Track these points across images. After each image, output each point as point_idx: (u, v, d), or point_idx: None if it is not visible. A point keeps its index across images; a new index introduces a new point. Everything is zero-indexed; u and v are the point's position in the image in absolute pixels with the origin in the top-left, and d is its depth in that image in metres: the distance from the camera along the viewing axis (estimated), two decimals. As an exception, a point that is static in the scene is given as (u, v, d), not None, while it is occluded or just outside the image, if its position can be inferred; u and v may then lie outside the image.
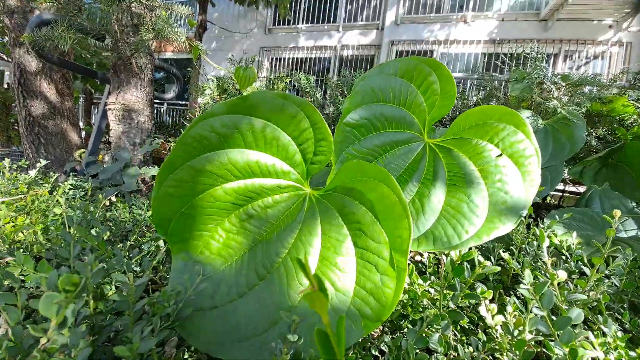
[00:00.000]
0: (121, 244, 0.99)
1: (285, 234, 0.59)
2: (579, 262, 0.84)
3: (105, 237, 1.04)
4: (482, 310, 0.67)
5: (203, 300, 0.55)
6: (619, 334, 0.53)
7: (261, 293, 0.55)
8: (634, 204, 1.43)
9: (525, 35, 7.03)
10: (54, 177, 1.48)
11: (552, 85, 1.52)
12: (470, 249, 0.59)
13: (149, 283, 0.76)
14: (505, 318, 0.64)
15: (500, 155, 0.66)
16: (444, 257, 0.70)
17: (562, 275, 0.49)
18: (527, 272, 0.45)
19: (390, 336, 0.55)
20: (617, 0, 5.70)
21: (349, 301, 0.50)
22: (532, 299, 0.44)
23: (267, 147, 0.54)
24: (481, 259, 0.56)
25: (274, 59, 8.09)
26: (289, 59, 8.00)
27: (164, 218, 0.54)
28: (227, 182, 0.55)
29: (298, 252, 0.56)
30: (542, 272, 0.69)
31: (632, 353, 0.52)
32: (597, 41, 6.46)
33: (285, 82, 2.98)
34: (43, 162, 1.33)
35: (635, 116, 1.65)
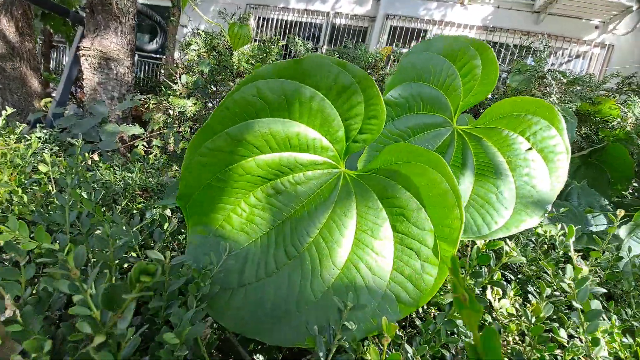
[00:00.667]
0: (110, 210, 0.91)
1: (317, 213, 0.56)
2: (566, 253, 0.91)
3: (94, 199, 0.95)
4: (488, 293, 0.70)
5: (231, 278, 0.52)
6: (617, 322, 0.58)
7: (291, 272, 0.53)
8: (606, 202, 1.56)
9: (516, 25, 7.08)
10: (21, 128, 1.31)
11: (553, 80, 1.54)
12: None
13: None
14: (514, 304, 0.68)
15: (530, 149, 0.66)
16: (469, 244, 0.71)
17: (585, 268, 0.51)
18: (569, 267, 0.47)
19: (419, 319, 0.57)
20: (609, 1, 5.84)
21: (385, 284, 0.50)
22: (565, 292, 0.46)
23: (311, 119, 0.49)
24: (507, 248, 0.57)
25: (261, 19, 7.52)
26: (277, 20, 7.48)
27: (190, 190, 0.49)
28: (261, 154, 0.51)
29: (331, 232, 0.54)
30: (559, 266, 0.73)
31: (624, 340, 0.58)
32: (582, 40, 6.68)
33: (280, 46, 2.79)
34: (10, 110, 1.15)
35: (619, 119, 1.75)
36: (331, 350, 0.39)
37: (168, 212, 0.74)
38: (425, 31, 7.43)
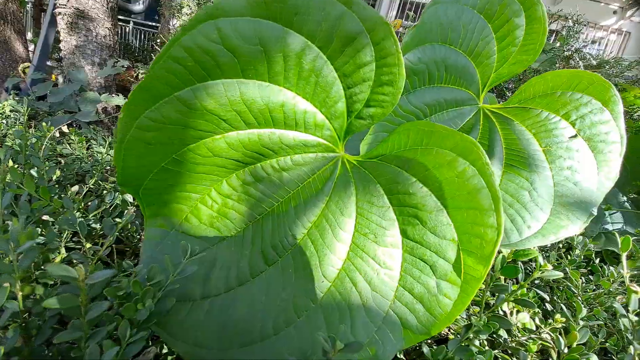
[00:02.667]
0: (77, 188, 0.79)
1: (305, 209, 0.44)
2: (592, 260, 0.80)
3: (54, 177, 0.82)
4: (504, 306, 0.60)
5: (191, 287, 0.40)
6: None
7: (269, 282, 0.42)
8: (624, 198, 1.45)
9: (534, 5, 6.66)
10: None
11: (581, 61, 1.38)
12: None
13: (112, 246, 0.59)
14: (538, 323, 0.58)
15: (575, 136, 0.53)
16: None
17: (639, 290, 0.40)
18: (634, 298, 0.36)
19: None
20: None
21: (387, 304, 0.39)
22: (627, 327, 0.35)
23: (301, 83, 0.36)
24: (541, 260, 0.46)
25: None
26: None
27: (135, 173, 0.37)
28: (233, 130, 0.38)
29: (323, 233, 0.43)
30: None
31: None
32: (599, 25, 6.31)
33: None
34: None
35: (645, 109, 1.60)
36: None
37: (130, 197, 0.62)
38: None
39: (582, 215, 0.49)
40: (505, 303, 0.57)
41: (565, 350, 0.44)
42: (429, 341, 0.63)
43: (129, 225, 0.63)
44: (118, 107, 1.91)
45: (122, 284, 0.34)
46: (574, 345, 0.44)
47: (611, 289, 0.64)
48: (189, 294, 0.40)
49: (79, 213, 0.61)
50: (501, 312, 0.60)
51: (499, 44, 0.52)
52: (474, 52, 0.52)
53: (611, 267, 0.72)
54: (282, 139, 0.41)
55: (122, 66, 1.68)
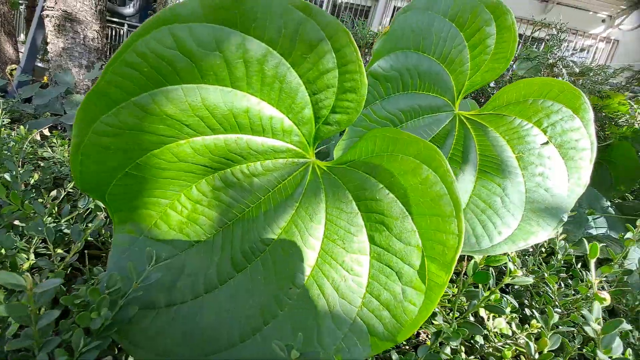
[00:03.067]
0: (54, 194, 0.78)
1: (275, 215, 0.44)
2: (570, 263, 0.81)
3: (31, 181, 0.81)
4: (482, 312, 0.60)
5: (156, 294, 0.40)
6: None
7: (238, 289, 0.41)
8: (608, 203, 1.47)
9: (523, 13, 6.79)
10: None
11: (565, 69, 1.41)
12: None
13: (84, 250, 0.58)
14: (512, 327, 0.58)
15: (547, 143, 0.54)
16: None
17: (607, 297, 0.41)
18: (597, 306, 0.36)
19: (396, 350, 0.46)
20: (620, -8, 5.60)
21: (355, 311, 0.39)
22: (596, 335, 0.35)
23: (265, 89, 0.36)
24: (511, 266, 0.46)
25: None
26: (276, -5, 7.08)
27: (96, 178, 0.36)
28: (198, 136, 0.38)
29: (292, 240, 0.43)
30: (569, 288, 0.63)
31: None
32: (588, 34, 6.46)
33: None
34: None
35: (627, 116, 1.63)
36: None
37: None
38: (430, 15, 7.12)
39: (553, 222, 0.49)
40: (482, 309, 0.57)
41: (537, 357, 0.44)
42: (407, 347, 0.63)
43: (103, 231, 0.61)
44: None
45: (80, 292, 0.33)
46: (545, 351, 0.44)
47: (588, 294, 0.64)
48: (153, 301, 0.39)
49: (50, 218, 0.60)
50: (473, 318, 0.60)
51: (471, 51, 0.53)
52: (447, 60, 0.53)
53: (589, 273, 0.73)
54: (249, 145, 0.41)
55: (111, 69, 1.66)
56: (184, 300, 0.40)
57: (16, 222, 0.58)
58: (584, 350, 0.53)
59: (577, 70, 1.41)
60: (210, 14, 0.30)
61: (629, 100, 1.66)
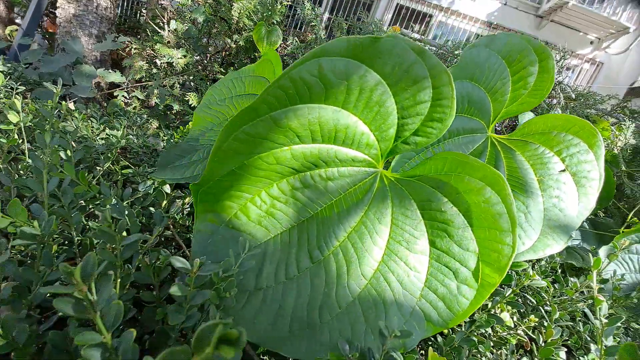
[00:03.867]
0: (92, 175, 0.80)
1: (347, 215, 0.51)
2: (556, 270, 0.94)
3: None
4: (504, 315, 0.71)
5: (247, 279, 0.46)
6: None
7: (314, 278, 0.48)
8: (583, 217, 1.65)
9: (518, 27, 7.07)
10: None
11: (561, 92, 1.55)
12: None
13: (160, 236, 0.62)
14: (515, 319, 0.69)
15: (564, 170, 0.64)
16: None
17: (604, 300, 0.51)
18: (604, 305, 0.46)
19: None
20: (609, 19, 5.95)
21: (415, 301, 0.47)
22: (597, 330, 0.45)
23: (366, 111, 0.42)
24: (530, 270, 0.56)
25: (263, -28, 6.86)
26: (280, -24, 6.86)
27: (212, 175, 0.41)
28: (300, 144, 0.43)
29: (361, 237, 0.50)
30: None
31: None
32: (575, 54, 6.85)
33: (284, 6, 2.54)
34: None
35: (609, 141, 1.82)
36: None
37: (167, 188, 0.64)
38: (431, 16, 7.23)
39: (564, 237, 0.60)
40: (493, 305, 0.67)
41: (543, 345, 0.55)
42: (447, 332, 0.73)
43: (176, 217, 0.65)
44: (112, 83, 1.84)
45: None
46: (549, 340, 0.55)
47: (574, 297, 0.77)
48: (246, 284, 0.45)
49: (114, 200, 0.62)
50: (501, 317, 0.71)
51: (513, 85, 0.61)
52: (492, 90, 0.61)
53: (572, 278, 0.86)
54: (337, 154, 0.47)
55: (122, 42, 1.61)
56: (269, 284, 0.47)
57: (81, 202, 0.60)
58: (569, 342, 0.66)
59: (572, 95, 1.55)
60: (350, 51, 0.35)
61: (611, 127, 1.84)
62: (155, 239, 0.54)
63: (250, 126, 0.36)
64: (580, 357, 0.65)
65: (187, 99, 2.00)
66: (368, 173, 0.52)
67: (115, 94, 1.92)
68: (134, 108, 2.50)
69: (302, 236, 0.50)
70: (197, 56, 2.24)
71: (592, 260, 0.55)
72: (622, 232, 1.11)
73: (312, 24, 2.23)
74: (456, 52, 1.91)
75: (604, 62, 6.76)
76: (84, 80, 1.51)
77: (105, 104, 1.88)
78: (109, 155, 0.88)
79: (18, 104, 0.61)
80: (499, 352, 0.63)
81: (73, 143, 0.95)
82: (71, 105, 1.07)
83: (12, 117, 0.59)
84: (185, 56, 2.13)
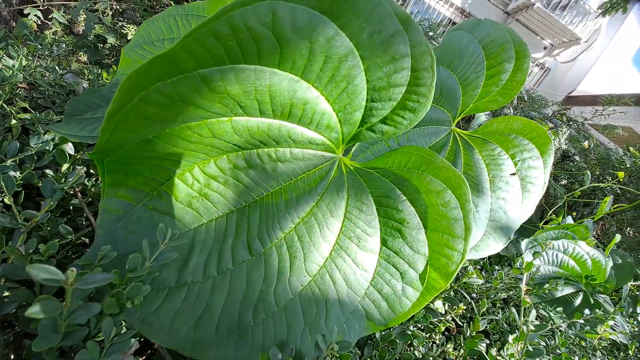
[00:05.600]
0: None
1: (297, 204, 0.45)
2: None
3: None
4: (438, 303, 0.74)
5: (167, 273, 0.38)
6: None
7: (251, 272, 0.42)
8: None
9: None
10: None
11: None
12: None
13: (65, 205, 0.48)
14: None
15: (514, 174, 0.65)
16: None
17: (529, 301, 0.55)
18: (533, 312, 0.49)
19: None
20: (566, 27, 6.40)
21: (358, 300, 0.44)
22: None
23: (330, 86, 0.34)
24: (471, 268, 0.58)
25: None
26: None
27: (117, 144, 0.31)
28: (244, 116, 0.35)
29: (310, 231, 0.44)
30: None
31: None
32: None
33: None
34: None
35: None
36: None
37: (70, 148, 0.50)
38: (405, -5, 7.06)
39: (504, 238, 0.62)
40: (440, 302, 0.70)
41: (469, 336, 0.58)
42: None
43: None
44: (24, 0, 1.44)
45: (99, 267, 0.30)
46: (475, 333, 0.58)
47: (497, 287, 0.84)
48: (164, 279, 0.38)
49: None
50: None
51: (486, 80, 0.58)
52: (465, 81, 0.57)
53: (497, 266, 0.95)
54: (291, 133, 0.39)
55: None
56: (195, 279, 0.39)
57: None
58: (487, 327, 0.72)
59: (525, 97, 1.63)
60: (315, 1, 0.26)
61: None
62: (46, 214, 0.42)
63: (169, 84, 0.26)
64: (495, 341, 0.72)
65: (124, 31, 1.67)
66: (325, 158, 0.45)
67: (26, 11, 1.50)
68: (55, 33, 2.02)
69: (242, 224, 0.43)
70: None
71: (515, 250, 0.58)
72: (542, 227, 1.24)
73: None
74: (430, 34, 1.86)
75: (551, 68, 7.38)
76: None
77: (14, 24, 1.48)
78: (0, 92, 0.67)
79: None
80: (427, 336, 0.67)
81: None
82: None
83: None
84: (125, -22, 1.73)
